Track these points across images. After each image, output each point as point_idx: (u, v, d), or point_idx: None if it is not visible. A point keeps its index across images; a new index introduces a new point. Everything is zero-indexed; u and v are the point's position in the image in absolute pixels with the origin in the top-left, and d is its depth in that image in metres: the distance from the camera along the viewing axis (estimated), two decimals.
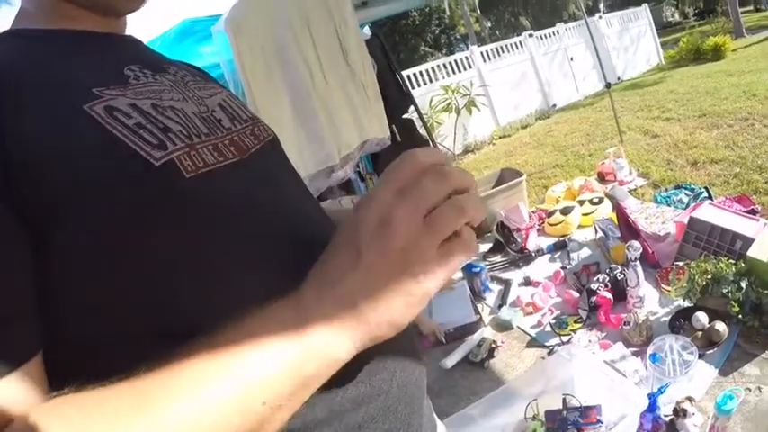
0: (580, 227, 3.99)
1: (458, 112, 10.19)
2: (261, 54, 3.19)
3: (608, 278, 2.73)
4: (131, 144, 0.63)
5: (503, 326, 3.00)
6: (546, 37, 12.55)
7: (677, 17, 33.46)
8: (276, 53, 3.27)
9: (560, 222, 3.96)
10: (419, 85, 10.49)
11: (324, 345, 0.51)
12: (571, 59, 12.80)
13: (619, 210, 3.37)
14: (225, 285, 0.64)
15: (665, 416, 1.83)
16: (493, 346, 2.77)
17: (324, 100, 3.41)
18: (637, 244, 2.53)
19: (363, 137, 3.68)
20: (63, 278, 0.55)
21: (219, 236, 0.66)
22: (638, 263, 2.49)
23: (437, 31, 33.17)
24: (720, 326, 2.13)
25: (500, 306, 3.21)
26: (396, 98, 4.56)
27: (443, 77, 11.01)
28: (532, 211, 4.61)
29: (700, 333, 2.17)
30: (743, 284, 2.22)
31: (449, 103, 10.12)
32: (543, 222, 4.21)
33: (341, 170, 3.54)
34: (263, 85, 3.18)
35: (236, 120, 0.85)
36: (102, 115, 0.63)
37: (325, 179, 3.48)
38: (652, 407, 1.75)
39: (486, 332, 2.99)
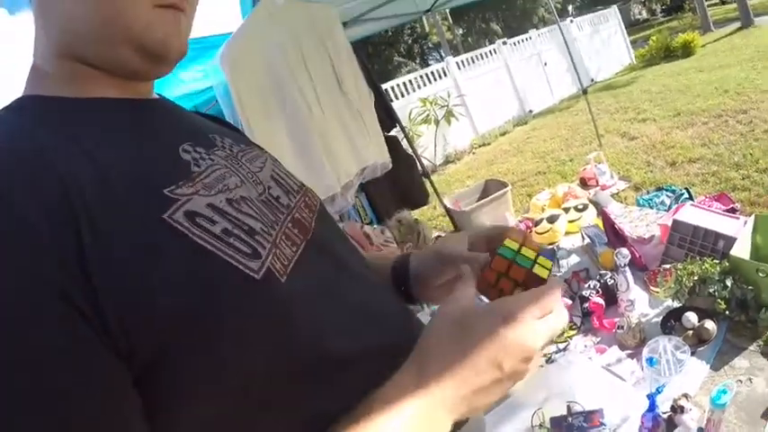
0: (567, 234, 4.06)
1: (437, 123, 10.30)
2: (258, 91, 3.20)
3: (599, 284, 2.82)
4: (226, 257, 0.59)
5: None
6: (519, 43, 12.73)
7: (645, 14, 33.87)
8: (273, 89, 3.28)
9: (548, 231, 4.03)
10: (397, 98, 10.54)
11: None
12: (545, 64, 12.98)
13: (604, 216, 3.46)
14: (339, 378, 0.65)
15: (664, 413, 1.93)
16: None
17: (321, 131, 3.42)
18: (625, 251, 2.63)
19: (361, 164, 3.71)
20: (171, 408, 0.54)
21: (321, 333, 0.66)
22: (627, 268, 2.59)
23: (410, 41, 33.31)
24: (710, 324, 2.23)
25: None
26: (380, 117, 4.64)
27: (420, 88, 11.11)
28: (519, 221, 4.69)
29: (690, 332, 2.26)
30: (728, 283, 2.32)
31: (427, 115, 10.22)
32: (530, 231, 4.28)
33: (342, 199, 3.57)
34: (262, 122, 3.18)
35: (291, 192, 0.82)
36: (185, 225, 0.58)
37: (329, 208, 3.53)
38: (652, 407, 1.84)
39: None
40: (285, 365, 0.61)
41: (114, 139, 0.64)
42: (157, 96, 0.81)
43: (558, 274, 3.39)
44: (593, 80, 13.54)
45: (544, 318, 0.63)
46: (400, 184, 4.32)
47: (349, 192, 3.64)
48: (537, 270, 0.76)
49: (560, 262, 3.57)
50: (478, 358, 0.60)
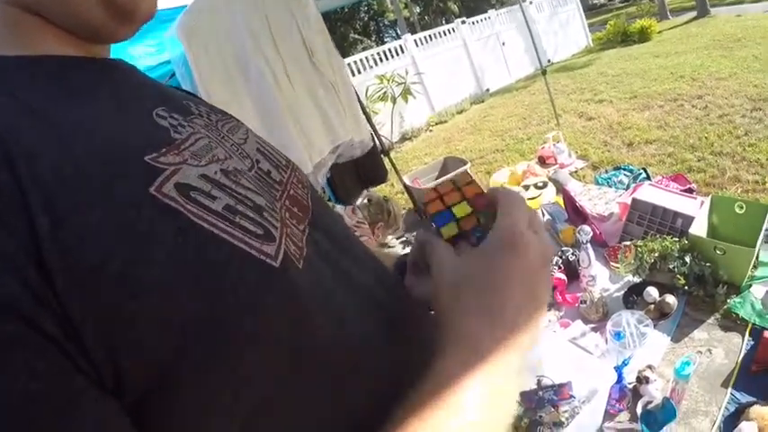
0: None
1: (393, 100, 10.26)
2: (220, 62, 3.06)
3: (560, 260, 2.87)
4: (236, 242, 0.47)
5: None
6: (478, 23, 12.73)
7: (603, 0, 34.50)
8: (235, 58, 3.14)
9: None
10: (353, 75, 10.39)
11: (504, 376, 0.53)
12: (503, 44, 13.03)
13: (565, 194, 3.51)
14: (358, 365, 0.57)
15: (629, 383, 1.99)
16: None
17: (291, 106, 3.29)
18: (587, 228, 2.67)
19: (335, 141, 3.62)
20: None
21: (342, 325, 0.57)
22: (589, 245, 2.64)
23: (366, 18, 33.11)
24: (670, 298, 2.29)
25: None
26: None
27: (376, 65, 11.03)
28: None
29: (652, 306, 2.33)
30: (687, 259, 2.39)
31: (384, 93, 10.17)
32: None
33: (313, 179, 3.46)
34: (225, 95, 3.04)
35: (280, 167, 0.71)
36: (180, 201, 0.46)
37: None
38: (619, 379, 1.90)
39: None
40: (310, 364, 0.51)
41: (74, 99, 0.50)
42: (117, 59, 0.65)
43: None
44: (549, 61, 13.65)
45: (525, 218, 0.59)
46: (358, 161, 4.28)
47: (321, 171, 3.57)
48: (469, 192, 0.68)
49: None
50: (511, 300, 0.55)
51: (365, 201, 4.12)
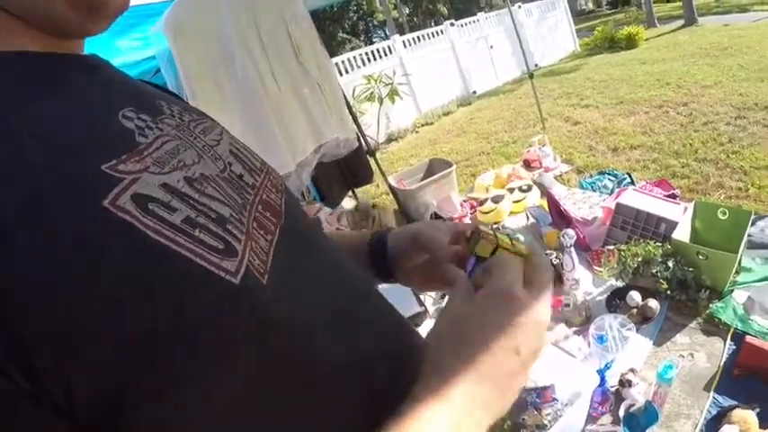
0: (511, 214, 4.12)
1: (380, 101, 10.25)
2: (205, 59, 3.03)
3: None
4: (194, 256, 0.45)
5: None
6: (466, 25, 12.77)
7: (591, 6, 34.79)
8: (222, 57, 3.10)
9: (492, 210, 4.07)
10: (341, 75, 10.38)
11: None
12: (491, 47, 13.09)
13: (549, 198, 3.51)
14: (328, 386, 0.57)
15: (612, 387, 1.99)
16: None
17: (275, 103, 3.27)
18: (571, 232, 2.67)
19: (319, 140, 3.58)
20: None
21: (313, 340, 0.56)
22: (572, 248, 2.64)
23: (355, 18, 33.13)
24: (653, 303, 2.30)
25: (443, 296, 3.16)
26: None
27: (364, 65, 11.02)
28: (464, 201, 4.73)
29: (635, 310, 2.33)
30: (670, 264, 2.40)
31: (371, 93, 10.16)
32: (475, 211, 4.30)
33: (296, 178, 3.44)
34: (210, 92, 3.03)
35: (253, 170, 0.69)
36: (135, 214, 0.43)
37: None
38: (601, 382, 1.90)
39: (433, 322, 2.99)
40: (276, 384, 0.50)
41: (35, 100, 0.47)
42: (89, 54, 0.62)
43: None
44: (537, 65, 13.73)
45: (537, 287, 0.61)
46: (344, 161, 4.25)
47: (304, 171, 3.54)
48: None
49: None
50: (494, 350, 0.56)
51: (353, 207, 4.10)
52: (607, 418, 1.92)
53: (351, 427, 0.57)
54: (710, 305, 2.26)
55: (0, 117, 0.43)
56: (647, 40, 13.40)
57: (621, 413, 1.84)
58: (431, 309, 3.18)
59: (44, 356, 0.36)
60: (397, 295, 3.12)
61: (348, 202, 4.46)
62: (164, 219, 0.45)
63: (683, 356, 2.08)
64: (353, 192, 4.85)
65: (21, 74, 0.49)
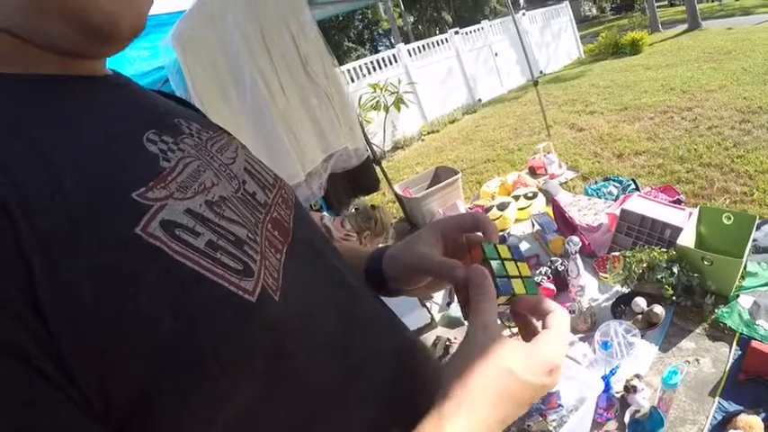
0: (517, 221, 4.13)
1: (386, 109, 10.27)
2: (214, 72, 3.05)
3: (550, 270, 2.88)
4: (217, 278, 0.49)
5: (454, 322, 3.06)
6: (471, 33, 12.78)
7: (595, 11, 34.85)
8: (230, 70, 3.13)
9: (498, 218, 4.09)
10: (347, 84, 10.43)
11: None
12: (496, 55, 13.09)
13: (554, 205, 3.53)
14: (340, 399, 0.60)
15: (617, 393, 1.99)
16: (447, 343, 2.82)
17: (284, 115, 3.30)
18: (576, 239, 2.69)
19: (328, 150, 3.61)
20: None
21: (320, 355, 0.60)
22: (578, 255, 2.65)
23: (360, 27, 33.21)
24: (658, 308, 2.31)
25: (449, 303, 3.24)
26: None
27: (370, 74, 11.05)
28: (469, 208, 4.75)
29: (640, 316, 2.34)
30: (675, 270, 2.40)
31: (377, 101, 10.18)
32: None
33: (307, 189, 3.47)
34: (219, 105, 3.05)
35: (266, 187, 0.72)
36: (164, 240, 0.47)
37: None
38: (606, 388, 1.90)
39: (439, 331, 3.04)
40: (282, 393, 0.53)
41: (64, 127, 0.49)
42: (110, 72, 0.65)
43: None
44: (542, 72, 13.74)
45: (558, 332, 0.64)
46: (351, 170, 4.28)
47: (315, 181, 3.55)
48: (523, 271, 0.72)
49: None
50: (522, 401, 0.60)
51: (353, 210, 4.12)
52: (612, 424, 1.92)
53: (362, 425, 0.60)
54: (716, 310, 2.26)
55: (39, 145, 0.45)
56: (651, 45, 13.36)
57: (627, 419, 1.85)
58: (437, 316, 3.18)
59: (82, 366, 0.40)
60: (402, 309, 3.14)
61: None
62: (189, 243, 0.49)
63: (688, 362, 2.08)
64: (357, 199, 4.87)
65: (50, 97, 0.52)
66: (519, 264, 0.71)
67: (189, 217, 0.51)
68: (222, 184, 0.61)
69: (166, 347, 0.44)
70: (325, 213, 4.42)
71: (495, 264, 0.67)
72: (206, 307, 0.47)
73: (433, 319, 3.12)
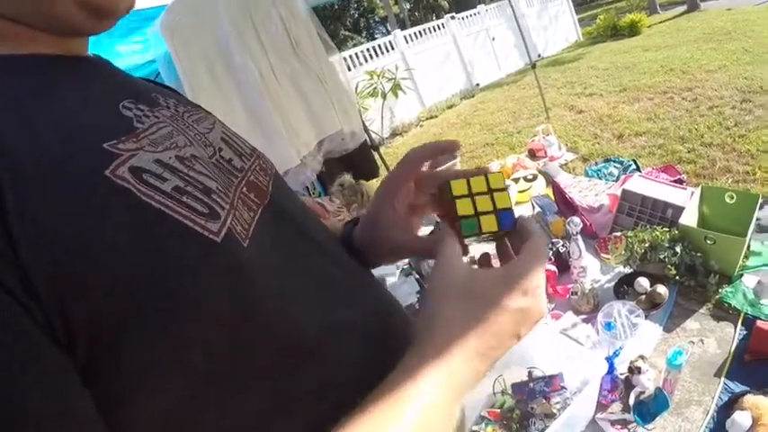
0: (517, 204, 4.10)
1: (384, 96, 10.23)
2: (203, 58, 3.04)
3: (551, 252, 2.85)
4: (180, 218, 0.51)
5: None
6: (467, 18, 12.74)
7: None
8: (219, 52, 3.12)
9: None
10: (344, 71, 10.38)
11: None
12: (493, 39, 13.06)
13: (554, 186, 3.49)
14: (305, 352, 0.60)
15: (621, 374, 1.97)
16: None
17: (276, 99, 3.27)
18: (577, 219, 2.65)
19: (321, 134, 3.60)
20: (127, 401, 0.46)
21: (287, 304, 0.59)
22: (579, 236, 2.62)
23: (356, 15, 33.12)
24: (661, 288, 2.28)
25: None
26: None
27: (367, 62, 11.02)
28: None
29: (643, 296, 2.31)
30: (677, 249, 2.37)
31: (374, 88, 10.14)
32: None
33: (301, 173, 3.46)
34: (210, 91, 3.04)
35: (244, 155, 0.75)
36: (132, 182, 0.49)
37: (292, 182, 3.41)
38: (610, 369, 1.87)
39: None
40: (250, 339, 0.54)
41: (43, 94, 0.53)
42: (91, 55, 0.68)
43: None
44: (540, 55, 13.69)
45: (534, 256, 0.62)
46: (349, 157, 4.26)
47: (309, 165, 3.54)
48: (500, 203, 0.68)
49: None
50: (501, 329, 0.58)
51: (338, 186, 4.12)
52: (617, 406, 1.89)
53: (343, 383, 0.61)
54: (720, 290, 2.23)
55: (26, 111, 0.49)
56: (649, 26, 13.32)
57: (631, 401, 1.82)
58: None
59: (47, 292, 0.41)
60: (401, 289, 3.11)
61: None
62: (156, 186, 0.51)
63: (692, 342, 2.05)
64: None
65: (35, 72, 0.55)
66: (496, 195, 0.68)
67: (157, 165, 0.54)
68: (196, 148, 0.64)
69: (131, 281, 0.45)
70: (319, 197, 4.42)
71: (458, 203, 0.67)
72: (170, 243, 0.49)
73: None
